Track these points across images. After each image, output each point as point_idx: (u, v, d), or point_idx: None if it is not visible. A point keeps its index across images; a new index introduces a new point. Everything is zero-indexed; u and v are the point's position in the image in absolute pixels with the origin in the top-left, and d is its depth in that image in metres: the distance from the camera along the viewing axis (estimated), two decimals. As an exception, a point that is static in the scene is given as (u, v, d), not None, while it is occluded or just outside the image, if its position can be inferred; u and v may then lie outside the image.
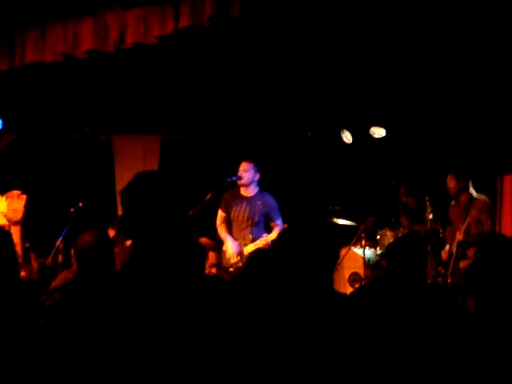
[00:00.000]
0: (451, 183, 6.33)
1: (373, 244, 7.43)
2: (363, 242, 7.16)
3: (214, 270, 4.83)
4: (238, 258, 6.36)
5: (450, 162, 6.44)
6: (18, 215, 4.01)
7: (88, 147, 8.78)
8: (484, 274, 2.57)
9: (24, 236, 4.04)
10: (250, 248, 6.24)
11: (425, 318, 3.00)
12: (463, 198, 6.35)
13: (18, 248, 3.70)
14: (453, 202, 6.54)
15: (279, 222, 6.42)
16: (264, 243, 6.18)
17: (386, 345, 2.61)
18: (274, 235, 6.21)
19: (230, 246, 6.44)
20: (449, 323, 2.77)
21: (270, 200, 6.48)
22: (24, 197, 4.12)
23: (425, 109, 7.29)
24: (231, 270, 6.42)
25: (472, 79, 6.43)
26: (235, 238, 6.50)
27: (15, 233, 4.05)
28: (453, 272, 6.25)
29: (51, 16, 5.46)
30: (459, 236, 6.21)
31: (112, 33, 5.31)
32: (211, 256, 4.71)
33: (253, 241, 6.35)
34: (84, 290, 2.02)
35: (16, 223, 3.92)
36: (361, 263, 7.13)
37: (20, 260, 3.61)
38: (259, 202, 6.39)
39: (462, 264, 6.27)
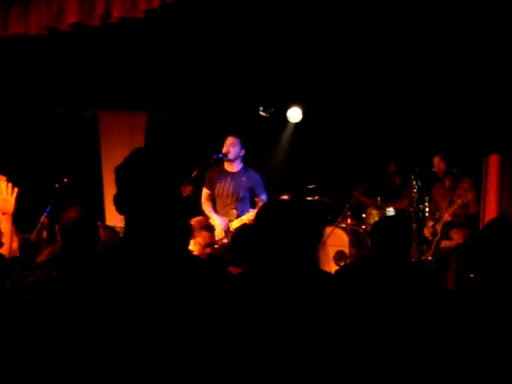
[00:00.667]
0: (440, 164, 6.42)
1: (359, 222, 7.46)
2: (349, 220, 7.18)
3: (208, 250, 4.80)
4: (223, 235, 6.36)
5: (437, 141, 6.46)
6: (10, 207, 3.96)
7: (73, 122, 8.70)
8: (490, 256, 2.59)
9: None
10: (235, 224, 6.26)
11: (409, 296, 3.01)
12: (450, 178, 6.43)
13: (7, 240, 3.69)
14: (437, 183, 6.62)
15: (264, 197, 6.41)
16: (249, 219, 6.18)
17: (372, 323, 2.61)
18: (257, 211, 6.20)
19: (217, 222, 6.43)
20: (433, 301, 2.78)
21: (255, 175, 6.49)
22: (16, 189, 4.08)
23: (413, 88, 7.29)
24: (216, 246, 6.41)
25: (459, 59, 6.42)
26: (220, 214, 6.49)
27: (5, 224, 4.01)
28: (435, 250, 6.36)
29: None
30: (447, 217, 6.30)
31: (98, 6, 5.22)
32: (205, 235, 4.70)
33: (238, 216, 6.35)
34: (68, 267, 1.99)
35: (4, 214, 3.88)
36: (346, 242, 7.16)
37: (8, 255, 3.62)
38: (244, 178, 6.39)
39: (444, 244, 6.42)
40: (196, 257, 2.91)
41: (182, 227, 3.73)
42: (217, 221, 6.44)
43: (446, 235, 6.38)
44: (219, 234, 6.42)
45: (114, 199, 2.00)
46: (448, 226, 6.37)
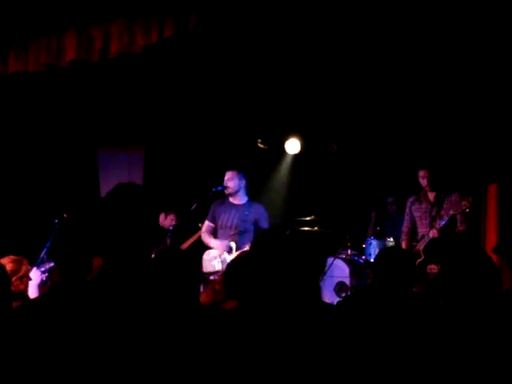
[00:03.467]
0: (431, 179, 6.02)
1: (359, 253, 7.43)
2: (349, 251, 7.15)
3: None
4: (220, 267, 6.33)
5: (435, 170, 6.38)
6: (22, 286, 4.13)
7: (73, 158, 8.72)
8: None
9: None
10: (232, 256, 6.23)
11: (413, 328, 2.99)
12: (434, 192, 6.06)
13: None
14: (414, 198, 6.24)
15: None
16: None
17: (374, 354, 2.59)
18: None
19: (218, 245, 6.41)
20: (437, 332, 2.76)
21: (260, 209, 6.49)
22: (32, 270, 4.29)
23: (411, 118, 7.32)
24: (211, 278, 6.38)
25: (460, 85, 6.45)
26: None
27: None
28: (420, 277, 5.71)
29: (35, 27, 5.42)
30: (434, 233, 5.83)
31: (96, 43, 5.29)
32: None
33: (237, 249, 6.32)
34: (58, 302, 1.99)
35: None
36: (347, 272, 7.11)
37: None
38: (247, 212, 6.38)
39: (431, 269, 5.87)
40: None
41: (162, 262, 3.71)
42: (216, 244, 6.42)
43: (432, 258, 5.81)
44: (216, 264, 6.38)
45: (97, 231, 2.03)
46: (433, 246, 5.82)
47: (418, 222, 6.11)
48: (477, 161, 6.74)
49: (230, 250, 6.36)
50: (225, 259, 6.31)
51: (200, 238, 6.88)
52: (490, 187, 5.68)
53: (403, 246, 6.32)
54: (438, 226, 5.81)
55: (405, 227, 6.32)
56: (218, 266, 6.37)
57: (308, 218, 7.50)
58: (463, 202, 5.62)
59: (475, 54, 5.73)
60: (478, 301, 2.47)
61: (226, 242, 6.37)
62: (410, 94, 6.99)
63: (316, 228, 7.41)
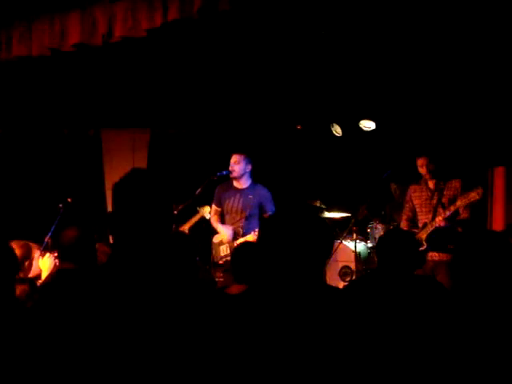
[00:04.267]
0: (430, 166, 5.89)
1: (364, 237, 7.43)
2: (354, 235, 7.15)
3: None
4: (228, 252, 6.34)
5: (441, 153, 6.34)
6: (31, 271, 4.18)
7: (76, 142, 8.71)
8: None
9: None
10: (239, 242, 6.23)
11: (419, 311, 2.99)
12: (434, 179, 5.94)
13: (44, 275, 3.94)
14: (414, 185, 6.14)
15: (271, 212, 6.38)
16: (254, 238, 6.15)
17: (381, 339, 2.58)
18: None
19: (224, 232, 6.42)
20: (442, 315, 2.75)
21: (263, 191, 6.45)
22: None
23: (416, 101, 7.28)
24: (221, 262, 6.40)
25: (464, 71, 6.42)
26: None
27: (48, 260, 4.24)
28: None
29: (38, 9, 5.39)
30: (439, 221, 5.68)
31: (100, 26, 5.25)
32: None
33: (243, 235, 6.32)
34: (64, 289, 1.99)
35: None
36: (352, 257, 7.12)
37: None
38: (251, 196, 6.35)
39: (432, 256, 5.76)
40: (191, 277, 2.89)
41: (184, 244, 3.72)
42: (222, 230, 6.42)
43: (434, 245, 5.66)
44: (225, 249, 6.40)
45: (109, 217, 2.02)
46: (436, 234, 5.65)
47: (418, 210, 6.01)
48: (482, 143, 6.70)
49: (235, 237, 6.36)
50: (232, 245, 6.32)
51: (199, 219, 6.88)
52: (496, 169, 5.62)
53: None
54: (444, 215, 5.67)
55: (404, 215, 6.21)
56: (226, 250, 6.38)
57: (314, 202, 7.50)
58: (472, 194, 5.45)
59: (473, 41, 5.71)
60: (494, 285, 2.46)
61: (231, 231, 6.37)
62: (413, 78, 6.96)
63: (322, 211, 7.43)
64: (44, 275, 4.32)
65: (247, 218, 6.34)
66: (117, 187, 2.03)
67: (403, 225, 6.20)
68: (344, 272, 7.30)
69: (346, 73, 7.06)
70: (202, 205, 6.76)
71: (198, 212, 6.93)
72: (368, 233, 7.46)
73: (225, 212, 6.53)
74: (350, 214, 7.53)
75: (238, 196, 6.42)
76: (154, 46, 6.19)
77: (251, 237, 6.16)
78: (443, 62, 6.39)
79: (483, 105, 6.68)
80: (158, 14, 4.99)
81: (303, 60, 6.75)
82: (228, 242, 6.39)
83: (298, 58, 6.69)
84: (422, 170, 5.95)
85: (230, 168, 6.42)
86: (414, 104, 7.34)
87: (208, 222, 6.79)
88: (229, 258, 6.18)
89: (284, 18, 5.67)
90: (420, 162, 5.96)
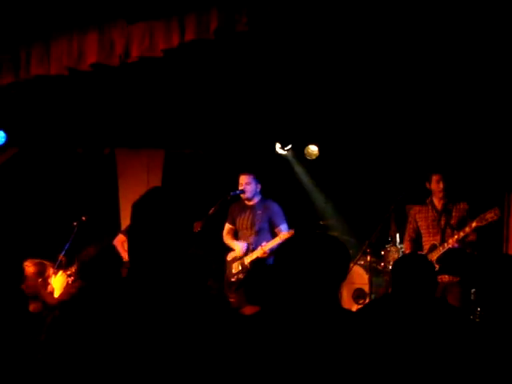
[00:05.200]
0: (440, 183, 5.82)
1: (378, 260, 7.38)
2: (368, 258, 7.10)
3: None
4: (240, 268, 6.38)
5: (456, 175, 6.29)
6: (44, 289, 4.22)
7: (91, 161, 8.76)
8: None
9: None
10: (248, 258, 6.32)
11: (435, 336, 2.95)
12: (443, 200, 5.89)
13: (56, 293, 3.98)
14: (419, 205, 6.07)
15: (283, 227, 6.42)
16: (262, 252, 6.20)
17: (395, 363, 2.55)
18: (271, 244, 6.22)
19: (237, 246, 6.49)
20: (459, 340, 2.72)
21: (272, 205, 6.53)
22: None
23: (433, 123, 7.26)
24: (233, 279, 6.43)
25: (479, 92, 6.39)
26: None
27: (60, 278, 4.28)
28: None
29: (56, 29, 5.45)
30: (452, 242, 5.57)
31: (117, 46, 5.30)
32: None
33: (252, 250, 6.36)
34: (84, 305, 1.99)
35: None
36: (366, 279, 7.07)
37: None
38: (260, 211, 6.43)
39: (442, 278, 5.64)
40: (206, 295, 2.88)
41: (199, 264, 3.72)
42: (237, 246, 6.50)
43: (446, 267, 5.57)
44: (237, 266, 6.44)
45: (127, 234, 2.02)
46: (447, 256, 5.56)
47: (424, 232, 5.92)
48: (499, 167, 6.66)
49: (247, 252, 6.42)
50: (243, 261, 6.37)
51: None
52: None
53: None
54: (458, 236, 5.56)
55: (407, 236, 6.14)
56: (238, 267, 6.43)
57: (327, 223, 7.49)
58: (489, 215, 5.34)
59: (489, 60, 5.68)
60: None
61: (244, 246, 6.44)
62: (430, 101, 6.95)
63: (336, 234, 7.40)
64: (56, 293, 4.33)
65: (257, 234, 6.44)
66: (136, 205, 2.03)
67: (406, 246, 6.14)
68: (357, 295, 7.26)
69: (360, 95, 7.07)
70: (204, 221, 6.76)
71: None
72: (382, 255, 7.41)
73: (238, 229, 6.65)
74: (364, 237, 7.49)
75: (248, 212, 6.53)
76: (170, 67, 6.23)
77: (259, 251, 6.22)
78: (457, 82, 6.37)
79: (500, 130, 6.65)
80: (175, 34, 5.03)
81: (319, 80, 6.77)
82: (241, 256, 6.44)
83: (315, 78, 6.71)
84: (438, 187, 5.86)
85: (240, 188, 6.49)
86: (430, 126, 7.32)
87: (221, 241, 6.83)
88: (240, 276, 6.22)
89: (301, 40, 5.69)
90: (436, 177, 5.88)
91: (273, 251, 6.11)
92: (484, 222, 5.41)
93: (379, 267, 7.31)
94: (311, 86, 6.94)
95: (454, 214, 5.78)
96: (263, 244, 6.29)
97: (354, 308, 6.77)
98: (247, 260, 6.36)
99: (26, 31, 5.54)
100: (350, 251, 6.80)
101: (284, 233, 6.21)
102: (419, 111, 7.20)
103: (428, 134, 7.44)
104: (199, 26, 4.91)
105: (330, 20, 5.20)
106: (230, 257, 6.63)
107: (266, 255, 6.20)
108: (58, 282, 4.44)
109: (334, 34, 5.61)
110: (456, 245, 5.55)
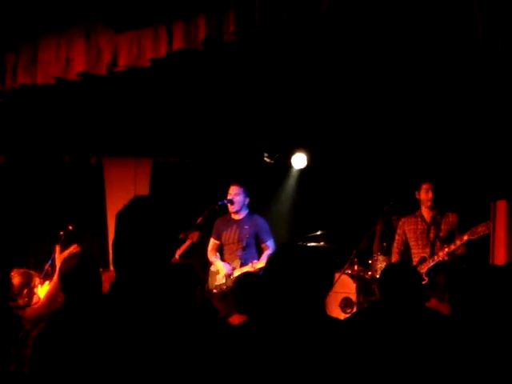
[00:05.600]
0: (429, 193, 5.77)
1: (365, 269, 7.39)
2: (355, 267, 7.11)
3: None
4: (224, 281, 6.34)
5: (443, 185, 6.32)
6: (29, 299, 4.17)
7: (78, 169, 8.73)
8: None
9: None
10: (237, 273, 6.23)
11: (423, 344, 2.96)
12: (432, 211, 5.82)
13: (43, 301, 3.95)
14: (408, 217, 5.99)
15: (270, 243, 6.39)
16: (251, 270, 6.14)
17: (384, 370, 2.56)
18: (262, 263, 6.17)
19: (221, 267, 6.42)
20: (447, 348, 2.73)
21: (260, 221, 6.47)
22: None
23: (420, 132, 7.29)
24: (215, 291, 6.40)
25: (468, 99, 6.43)
26: (226, 262, 6.47)
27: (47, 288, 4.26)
28: None
29: (43, 36, 5.43)
30: (442, 255, 5.51)
31: (104, 55, 5.29)
32: None
33: (241, 266, 6.31)
34: (69, 319, 1.97)
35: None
36: (353, 288, 7.07)
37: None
38: (247, 226, 6.38)
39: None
40: (190, 305, 2.87)
41: (187, 275, 3.72)
42: (220, 265, 6.42)
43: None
44: (221, 278, 6.40)
45: (112, 245, 2.00)
46: (437, 269, 5.31)
47: (413, 244, 5.87)
48: (485, 176, 6.69)
49: (232, 271, 6.36)
50: (232, 275, 6.31)
51: (190, 245, 6.91)
52: (498, 203, 5.60)
53: None
54: (449, 249, 5.52)
55: (395, 248, 6.09)
56: (222, 279, 6.37)
57: (314, 234, 7.49)
58: (481, 228, 5.32)
59: (478, 70, 5.72)
60: (498, 320, 2.44)
61: (228, 266, 6.37)
62: (418, 110, 6.98)
63: (322, 243, 7.40)
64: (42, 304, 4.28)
65: (244, 249, 6.37)
66: (120, 215, 2.02)
67: (395, 258, 6.09)
68: (345, 304, 7.25)
69: (349, 103, 7.10)
70: (192, 230, 6.74)
71: (187, 238, 6.95)
72: (369, 264, 7.42)
73: (223, 244, 6.57)
74: (351, 246, 7.50)
75: (234, 227, 6.46)
76: (158, 76, 6.23)
77: (249, 268, 6.16)
78: (448, 90, 6.39)
79: (486, 138, 6.68)
80: (163, 44, 5.03)
81: (306, 89, 6.79)
82: (223, 278, 6.39)
83: (301, 87, 6.73)
84: (427, 196, 5.82)
85: (229, 198, 6.45)
86: (417, 135, 7.35)
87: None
88: (224, 287, 6.20)
89: (288, 49, 5.71)
90: (427, 186, 5.84)
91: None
92: (476, 236, 5.39)
93: (366, 276, 7.31)
94: (299, 94, 6.95)
95: (442, 226, 5.75)
96: (254, 262, 6.25)
97: (342, 317, 6.77)
98: (236, 274, 6.31)
99: (12, 39, 5.52)
100: (337, 260, 6.80)
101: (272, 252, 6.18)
102: (407, 121, 7.22)
103: (416, 142, 7.47)
104: (187, 35, 4.91)
105: (317, 27, 5.23)
106: (214, 267, 6.58)
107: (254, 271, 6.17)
108: (43, 292, 4.40)
109: (322, 41, 5.64)
110: (446, 258, 5.52)
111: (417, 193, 5.98)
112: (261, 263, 6.18)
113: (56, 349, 1.93)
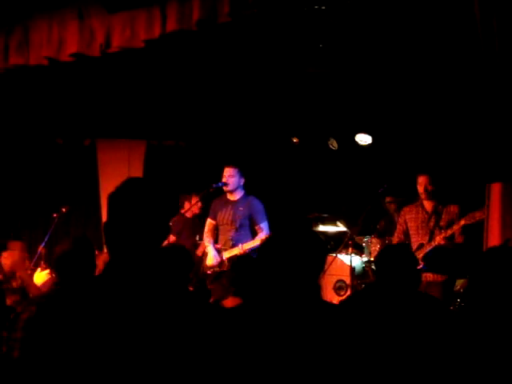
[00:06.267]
0: (428, 186, 5.74)
1: (359, 251, 7.41)
2: (350, 249, 7.13)
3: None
4: (215, 264, 6.41)
5: (437, 168, 6.31)
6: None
7: (72, 152, 8.70)
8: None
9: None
10: (226, 254, 6.31)
11: (418, 328, 2.97)
12: (433, 201, 5.80)
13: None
14: (409, 206, 5.98)
15: (263, 225, 6.38)
16: (240, 251, 6.17)
17: (379, 354, 2.56)
18: (251, 244, 6.19)
19: (211, 254, 6.48)
20: (441, 331, 2.74)
21: (255, 202, 6.47)
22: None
23: (413, 116, 7.29)
24: (208, 272, 6.44)
25: (461, 85, 6.42)
26: (221, 242, 6.51)
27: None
28: None
29: (36, 15, 5.37)
30: (439, 240, 5.54)
31: (98, 36, 5.24)
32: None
33: (232, 246, 6.35)
34: (60, 302, 1.96)
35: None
36: (347, 271, 7.09)
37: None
38: (241, 207, 6.38)
39: (427, 277, 5.62)
40: (184, 289, 2.86)
41: (180, 256, 3.71)
42: (211, 253, 6.49)
43: (431, 265, 5.52)
44: (211, 259, 6.45)
45: (104, 227, 1.99)
46: (433, 254, 5.52)
47: (413, 232, 5.86)
48: (480, 160, 6.68)
49: (219, 265, 6.40)
50: (221, 256, 6.38)
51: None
52: (493, 186, 5.59)
53: None
54: (445, 234, 5.53)
55: (396, 237, 6.07)
56: (213, 260, 6.45)
57: (310, 216, 7.51)
58: (478, 213, 5.30)
59: (474, 55, 5.71)
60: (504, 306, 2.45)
61: (217, 258, 6.42)
62: (412, 93, 6.97)
63: (318, 225, 7.43)
64: (36, 288, 4.28)
65: (237, 230, 6.38)
66: (112, 197, 2.00)
67: None
68: (339, 286, 7.28)
69: (343, 87, 7.08)
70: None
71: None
72: (363, 247, 7.45)
73: (218, 224, 6.59)
74: (345, 228, 7.52)
75: (229, 208, 6.47)
76: (151, 57, 6.19)
77: (238, 249, 6.20)
78: (442, 81, 6.39)
79: (479, 120, 6.67)
80: (157, 25, 4.98)
81: (301, 73, 6.76)
82: (212, 259, 6.46)
83: (296, 71, 6.70)
84: (420, 188, 5.82)
85: (223, 180, 6.44)
86: (411, 118, 7.34)
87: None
88: (217, 269, 6.25)
89: (283, 31, 5.68)
90: (420, 179, 5.83)
91: (252, 251, 6.11)
92: (472, 220, 5.40)
93: (360, 259, 7.34)
94: (291, 77, 6.93)
95: (443, 216, 5.73)
96: (239, 245, 6.28)
97: (336, 299, 6.80)
98: (225, 255, 6.35)
99: (3, 20, 5.46)
100: (331, 243, 6.79)
101: (263, 236, 6.20)
102: (401, 105, 7.22)
103: (409, 127, 7.47)
104: (181, 17, 4.87)
105: (312, 9, 5.21)
106: (208, 251, 6.64)
107: (243, 253, 6.20)
108: (39, 279, 4.39)
109: (316, 22, 5.61)
110: (443, 242, 5.54)
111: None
112: (249, 244, 6.20)
113: (47, 332, 1.91)
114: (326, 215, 7.59)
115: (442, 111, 7.08)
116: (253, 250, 6.08)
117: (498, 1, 3.96)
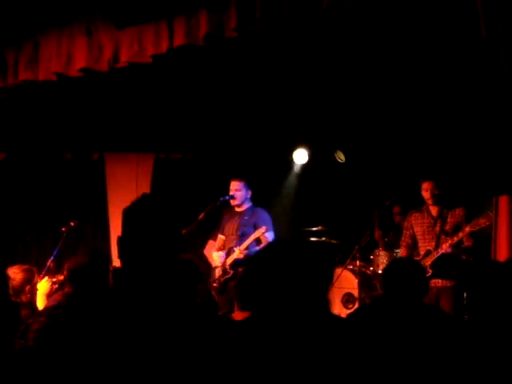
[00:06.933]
0: (434, 190, 5.77)
1: (367, 264, 7.40)
2: (357, 262, 7.12)
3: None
4: (221, 273, 6.42)
5: (446, 180, 6.29)
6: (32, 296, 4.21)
7: (80, 166, 8.73)
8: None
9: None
10: (229, 260, 6.36)
11: (426, 341, 2.96)
12: (438, 206, 5.83)
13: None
14: (415, 212, 6.00)
15: (268, 235, 6.39)
16: (238, 253, 6.24)
17: (387, 368, 2.56)
18: (246, 242, 6.26)
19: (216, 258, 6.52)
20: (449, 345, 2.73)
21: (261, 212, 6.52)
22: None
23: (421, 128, 7.28)
24: (215, 285, 6.47)
25: (470, 95, 6.42)
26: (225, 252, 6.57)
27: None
28: None
29: (45, 31, 5.43)
30: (446, 248, 5.55)
31: (106, 51, 5.29)
32: None
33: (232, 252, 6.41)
34: (70, 313, 1.98)
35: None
36: (355, 284, 7.08)
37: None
38: (247, 217, 6.43)
39: (435, 283, 5.63)
40: (195, 301, 2.88)
41: (189, 271, 3.72)
42: (216, 256, 6.53)
43: (439, 272, 5.56)
44: (218, 271, 6.49)
45: (118, 241, 2.01)
46: (441, 261, 5.56)
47: (420, 238, 5.89)
48: (487, 171, 6.66)
49: (225, 259, 6.45)
50: (225, 265, 6.41)
51: None
52: (500, 198, 5.58)
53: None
54: (452, 241, 5.55)
55: (403, 242, 6.09)
56: (219, 272, 6.47)
57: (316, 229, 7.50)
58: (482, 220, 5.36)
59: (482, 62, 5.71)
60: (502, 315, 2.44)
61: (223, 257, 6.46)
62: (419, 104, 6.97)
63: (323, 238, 7.42)
64: (39, 298, 4.29)
65: (239, 238, 6.43)
66: (127, 212, 2.03)
67: (402, 252, 6.12)
68: (347, 299, 7.27)
69: (350, 99, 7.09)
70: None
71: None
72: (371, 259, 7.43)
73: (225, 235, 6.64)
74: (353, 241, 7.51)
75: (236, 218, 6.55)
76: (159, 72, 6.22)
77: (236, 253, 6.26)
78: (450, 85, 6.38)
79: (489, 133, 6.66)
80: (164, 40, 5.02)
81: (307, 86, 6.78)
82: (219, 271, 6.48)
83: (302, 83, 6.72)
84: (426, 194, 5.84)
85: (231, 193, 6.49)
86: (419, 130, 7.34)
87: None
88: (222, 279, 6.29)
89: (289, 46, 5.71)
90: (426, 185, 5.86)
91: (250, 255, 6.15)
92: (477, 227, 5.43)
93: (368, 272, 7.32)
94: (300, 90, 6.95)
95: (449, 220, 5.76)
96: (235, 248, 6.34)
97: (344, 312, 6.78)
98: (228, 262, 6.41)
99: (13, 35, 5.51)
100: (339, 255, 6.81)
101: (259, 230, 6.24)
102: (408, 116, 7.22)
103: (418, 138, 7.46)
104: (189, 31, 4.91)
105: (318, 24, 5.23)
106: (213, 262, 6.68)
107: (242, 255, 6.25)
108: (41, 288, 4.40)
109: (322, 38, 5.64)
110: (449, 250, 5.55)
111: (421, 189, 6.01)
112: (245, 243, 6.27)
113: (56, 342, 1.93)
114: (320, 229, 7.59)
115: (449, 122, 7.08)
116: (251, 249, 6.17)
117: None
